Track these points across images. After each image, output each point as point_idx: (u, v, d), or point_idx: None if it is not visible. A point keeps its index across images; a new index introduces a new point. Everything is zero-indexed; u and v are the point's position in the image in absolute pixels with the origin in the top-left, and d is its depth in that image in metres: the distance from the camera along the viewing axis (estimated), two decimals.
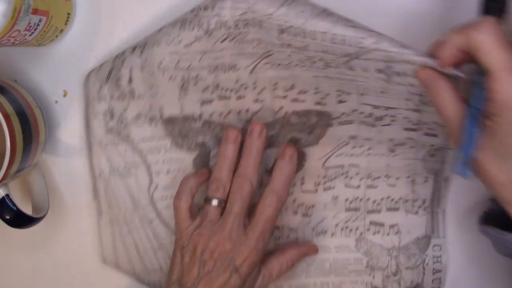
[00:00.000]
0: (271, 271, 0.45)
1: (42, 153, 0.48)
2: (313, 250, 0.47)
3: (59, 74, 0.49)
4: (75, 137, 0.49)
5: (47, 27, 0.43)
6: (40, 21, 0.42)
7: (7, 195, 0.44)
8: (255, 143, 0.44)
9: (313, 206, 0.47)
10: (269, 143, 0.46)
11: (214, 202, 0.43)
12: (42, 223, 0.46)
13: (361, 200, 0.46)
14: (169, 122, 0.46)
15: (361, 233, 0.47)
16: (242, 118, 0.46)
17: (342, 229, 0.47)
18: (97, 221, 0.49)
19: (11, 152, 0.41)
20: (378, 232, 0.47)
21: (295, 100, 0.44)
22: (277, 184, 0.44)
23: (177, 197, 0.45)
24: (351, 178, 0.46)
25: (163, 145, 0.47)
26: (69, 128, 0.49)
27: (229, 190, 0.44)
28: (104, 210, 0.49)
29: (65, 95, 0.49)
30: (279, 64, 0.43)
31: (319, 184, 0.47)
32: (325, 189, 0.47)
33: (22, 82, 0.49)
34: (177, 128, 0.46)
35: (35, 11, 0.40)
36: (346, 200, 0.47)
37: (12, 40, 0.41)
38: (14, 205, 0.44)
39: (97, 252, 0.50)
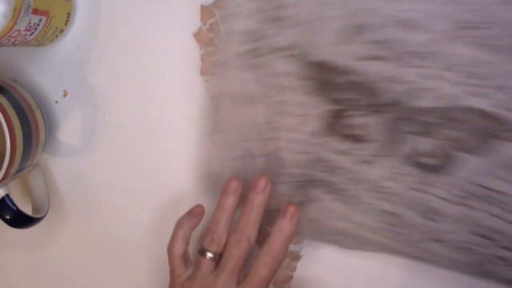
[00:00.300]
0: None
1: (42, 153, 0.48)
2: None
3: (59, 74, 0.49)
4: (75, 137, 0.49)
5: (47, 27, 0.43)
6: (40, 21, 0.42)
7: (7, 195, 0.44)
8: (257, 198, 0.42)
9: (438, 213, 0.41)
10: (422, 131, 0.39)
11: (209, 255, 0.42)
12: (42, 223, 0.46)
13: (493, 231, 0.40)
14: (312, 66, 0.40)
15: (477, 256, 0.41)
16: (389, 90, 0.38)
17: (458, 248, 0.41)
18: (208, 137, 0.46)
19: (11, 152, 0.41)
20: (500, 265, 0.40)
21: (473, 93, 0.37)
22: (274, 244, 0.42)
23: (171, 243, 0.44)
24: (493, 205, 0.39)
25: (295, 86, 0.41)
26: (69, 128, 0.49)
27: (225, 243, 0.43)
28: (218, 128, 0.45)
29: (65, 95, 0.49)
30: (482, 44, 0.35)
31: (456, 196, 0.40)
32: (458, 204, 0.40)
33: (22, 82, 0.49)
34: (318, 75, 0.40)
35: (35, 11, 0.40)
36: (478, 224, 0.40)
37: (12, 40, 0.41)
38: (14, 205, 0.44)
39: (96, 251, 0.50)
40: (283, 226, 0.42)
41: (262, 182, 0.42)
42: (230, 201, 0.43)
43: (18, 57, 0.49)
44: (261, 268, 0.41)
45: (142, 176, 0.50)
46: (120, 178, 0.50)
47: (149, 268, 0.51)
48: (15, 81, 0.49)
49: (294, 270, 0.49)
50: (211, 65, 0.44)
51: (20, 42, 0.42)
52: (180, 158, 0.49)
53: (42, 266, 0.52)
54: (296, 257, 0.49)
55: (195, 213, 0.45)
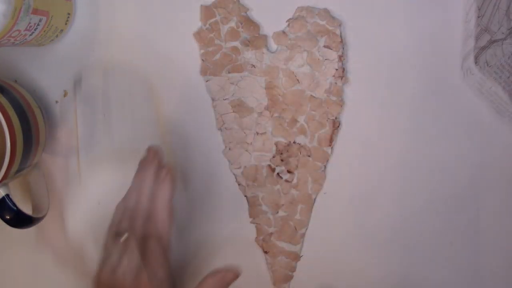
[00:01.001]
0: None
1: (42, 153, 0.48)
2: (231, 276, 0.44)
3: (59, 74, 0.49)
4: (75, 137, 0.49)
5: (47, 27, 0.43)
6: (40, 21, 0.42)
7: (7, 195, 0.44)
8: (148, 168, 0.44)
9: None
10: None
11: (118, 235, 0.43)
12: (42, 223, 0.46)
13: None
14: None
15: None
16: None
17: None
18: None
19: (11, 152, 0.41)
20: None
21: None
22: (129, 199, 0.44)
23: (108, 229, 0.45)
24: None
25: None
26: (69, 128, 0.49)
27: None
28: None
29: (65, 95, 0.49)
30: None
31: None
32: None
33: (23, 82, 0.49)
34: None
35: (35, 11, 0.40)
36: None
37: (12, 40, 0.41)
38: (14, 205, 0.44)
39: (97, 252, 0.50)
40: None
41: (150, 154, 0.45)
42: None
43: (18, 57, 0.49)
44: (138, 230, 0.43)
45: None
46: (120, 177, 0.50)
47: None
48: (15, 81, 0.49)
49: (294, 270, 0.49)
50: None
51: (20, 42, 0.42)
52: (181, 158, 0.49)
53: (42, 266, 0.52)
54: (296, 257, 0.49)
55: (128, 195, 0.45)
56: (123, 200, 0.45)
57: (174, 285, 0.43)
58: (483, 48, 0.43)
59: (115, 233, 0.43)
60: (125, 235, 0.43)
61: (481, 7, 0.43)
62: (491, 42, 0.42)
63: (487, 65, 0.43)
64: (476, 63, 0.44)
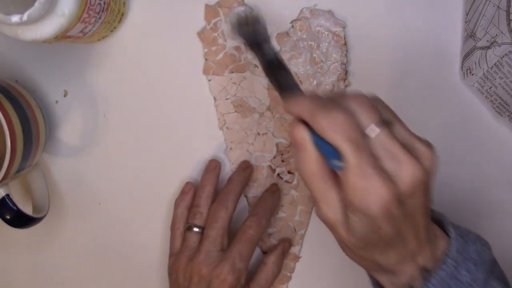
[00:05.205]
0: (259, 283, 0.46)
1: (42, 153, 0.48)
2: (286, 246, 0.48)
3: (59, 74, 0.49)
4: (75, 137, 0.49)
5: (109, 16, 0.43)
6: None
7: (8, 195, 0.44)
8: (238, 176, 0.47)
9: None
10: None
11: (194, 229, 0.45)
12: (42, 223, 0.46)
13: None
14: None
15: None
16: None
17: None
18: None
19: (12, 152, 0.41)
20: None
21: None
22: (259, 209, 0.46)
23: (172, 224, 0.47)
24: None
25: None
26: (69, 128, 0.49)
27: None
28: None
29: (65, 95, 0.49)
30: None
31: None
32: None
33: (23, 82, 0.49)
34: None
35: None
36: None
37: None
38: (14, 205, 0.44)
39: (96, 251, 0.50)
40: (267, 197, 0.47)
41: (244, 164, 0.48)
42: (209, 177, 0.47)
43: (19, 57, 0.49)
44: (246, 230, 0.44)
45: (142, 176, 0.50)
46: (120, 178, 0.50)
47: (149, 267, 0.51)
48: (16, 81, 0.48)
49: (293, 272, 0.50)
50: None
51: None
52: (181, 157, 0.49)
53: (42, 266, 0.52)
54: (295, 258, 0.49)
55: (186, 189, 0.48)
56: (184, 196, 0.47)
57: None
58: (467, 55, 0.44)
59: (187, 226, 0.46)
60: (195, 227, 0.45)
61: (469, 12, 0.44)
62: (475, 48, 0.43)
63: (470, 72, 0.44)
64: (461, 68, 0.45)
